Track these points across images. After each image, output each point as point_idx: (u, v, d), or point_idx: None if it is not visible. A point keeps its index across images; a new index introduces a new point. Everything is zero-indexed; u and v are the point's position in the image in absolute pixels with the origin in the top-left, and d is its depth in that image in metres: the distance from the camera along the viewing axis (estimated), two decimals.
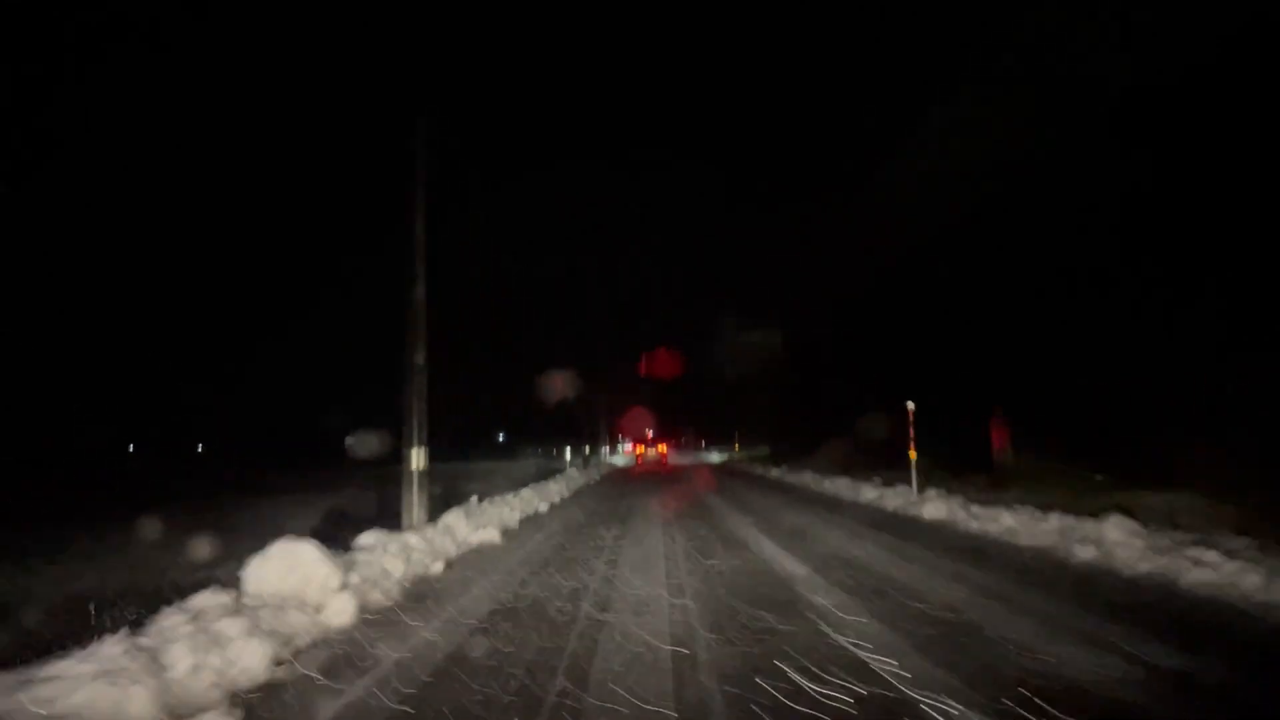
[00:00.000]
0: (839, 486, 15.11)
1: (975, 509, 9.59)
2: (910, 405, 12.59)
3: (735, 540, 8.20)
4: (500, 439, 66.77)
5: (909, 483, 12.90)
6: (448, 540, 8.03)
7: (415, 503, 8.89)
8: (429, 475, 9.07)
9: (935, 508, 10.29)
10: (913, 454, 12.59)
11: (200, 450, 72.36)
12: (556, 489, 15.75)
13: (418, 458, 8.96)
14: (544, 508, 12.71)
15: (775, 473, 22.21)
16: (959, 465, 17.35)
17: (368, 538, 7.15)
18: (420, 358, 9.05)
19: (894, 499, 12.04)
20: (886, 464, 21.16)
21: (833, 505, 12.47)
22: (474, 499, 11.12)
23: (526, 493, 13.27)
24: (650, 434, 59.48)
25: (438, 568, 6.85)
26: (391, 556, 6.51)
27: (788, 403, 40.77)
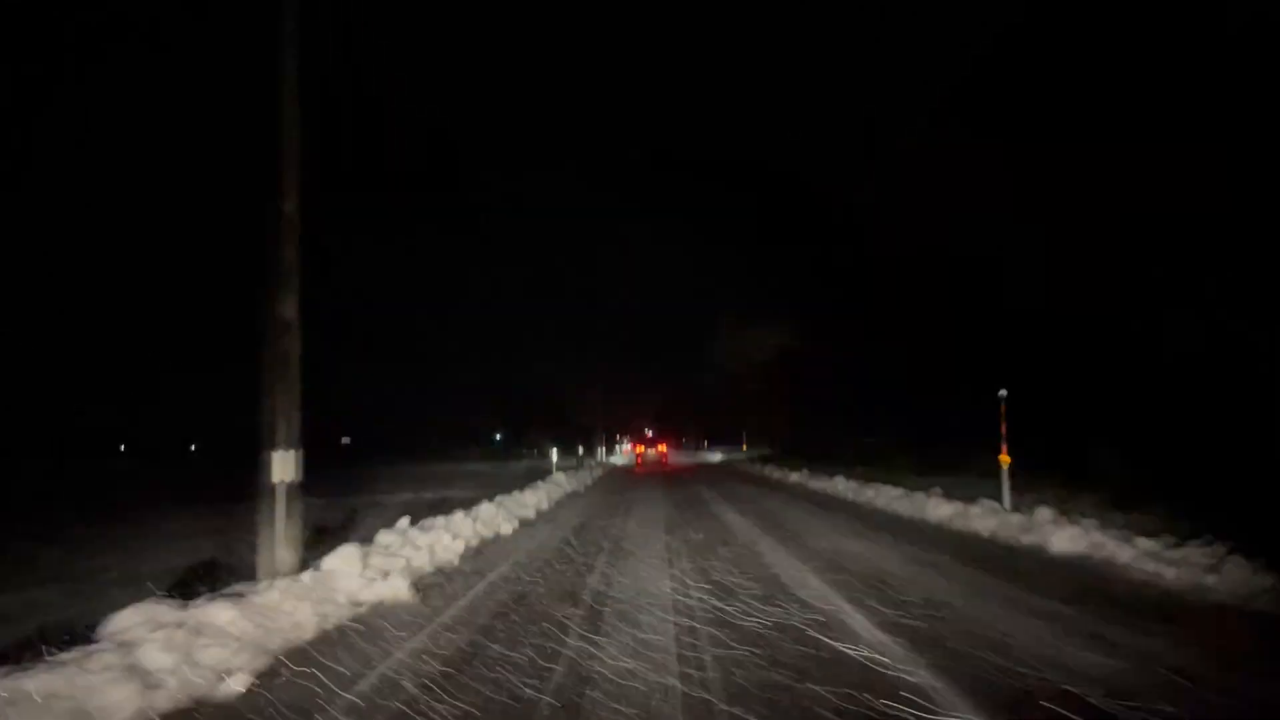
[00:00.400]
0: (890, 498, 11.69)
1: (1143, 543, 6.18)
2: (1003, 393, 9.18)
3: (798, 605, 4.78)
4: (497, 439, 63.57)
5: (990, 495, 9.55)
6: (303, 608, 4.63)
7: (278, 537, 5.48)
8: (299, 491, 5.66)
9: (1067, 538, 6.88)
10: (1005, 458, 9.19)
11: (193, 449, 69.27)
12: (534, 500, 12.34)
13: (282, 466, 5.55)
14: (508, 529, 9.31)
15: (795, 477, 18.79)
16: (1037, 471, 14.01)
17: (128, 617, 3.78)
18: (288, 310, 5.64)
19: (982, 519, 8.63)
20: (922, 468, 17.76)
21: (904, 530, 9.04)
22: (403, 522, 7.74)
23: (487, 509, 9.86)
24: (650, 434, 56.27)
25: (234, 685, 3.44)
26: (113, 678, 3.11)
27: (798, 401, 37.42)
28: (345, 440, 78.44)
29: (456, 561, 7.05)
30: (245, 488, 6.02)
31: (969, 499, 9.86)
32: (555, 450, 19.29)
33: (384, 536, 6.96)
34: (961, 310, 21.78)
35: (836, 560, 6.55)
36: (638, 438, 55.46)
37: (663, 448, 49.40)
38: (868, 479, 14.76)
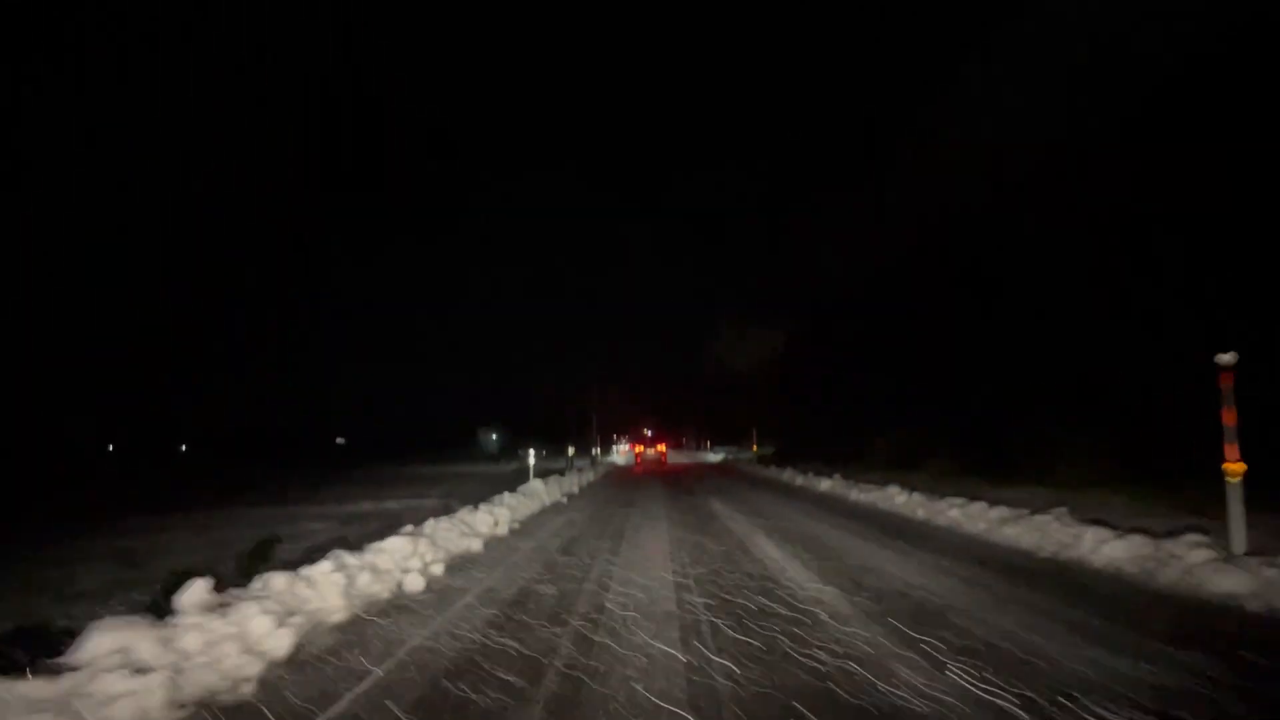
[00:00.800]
0: (992, 522, 8.00)
1: None
2: (1226, 359, 5.50)
3: None
4: (493, 439, 60.04)
5: (1138, 517, 5.93)
6: None
7: None
8: None
9: None
10: (1237, 466, 5.49)
11: (184, 451, 65.39)
12: (489, 522, 8.66)
13: None
14: (417, 584, 5.61)
15: (825, 485, 15.08)
16: (1140, 470, 10.56)
17: None
18: None
19: (1216, 573, 4.94)
20: (992, 471, 14.10)
21: (1093, 594, 5.32)
22: (195, 590, 4.06)
23: (394, 548, 6.15)
24: (649, 433, 52.75)
25: None
26: None
27: (801, 399, 33.79)
28: (340, 440, 74.85)
29: (254, 678, 3.36)
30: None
31: (1149, 531, 6.21)
32: (533, 453, 15.57)
33: (100, 637, 3.27)
34: (973, 305, 19.08)
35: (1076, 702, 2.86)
36: (637, 437, 52.02)
37: (661, 447, 46.16)
38: (931, 489, 11.10)
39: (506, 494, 11.35)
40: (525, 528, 9.43)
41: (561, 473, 18.27)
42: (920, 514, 9.54)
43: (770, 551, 6.95)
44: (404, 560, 6.07)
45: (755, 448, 29.47)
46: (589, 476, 20.08)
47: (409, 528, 7.44)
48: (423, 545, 6.56)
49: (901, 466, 17.70)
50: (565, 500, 13.54)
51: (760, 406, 35.12)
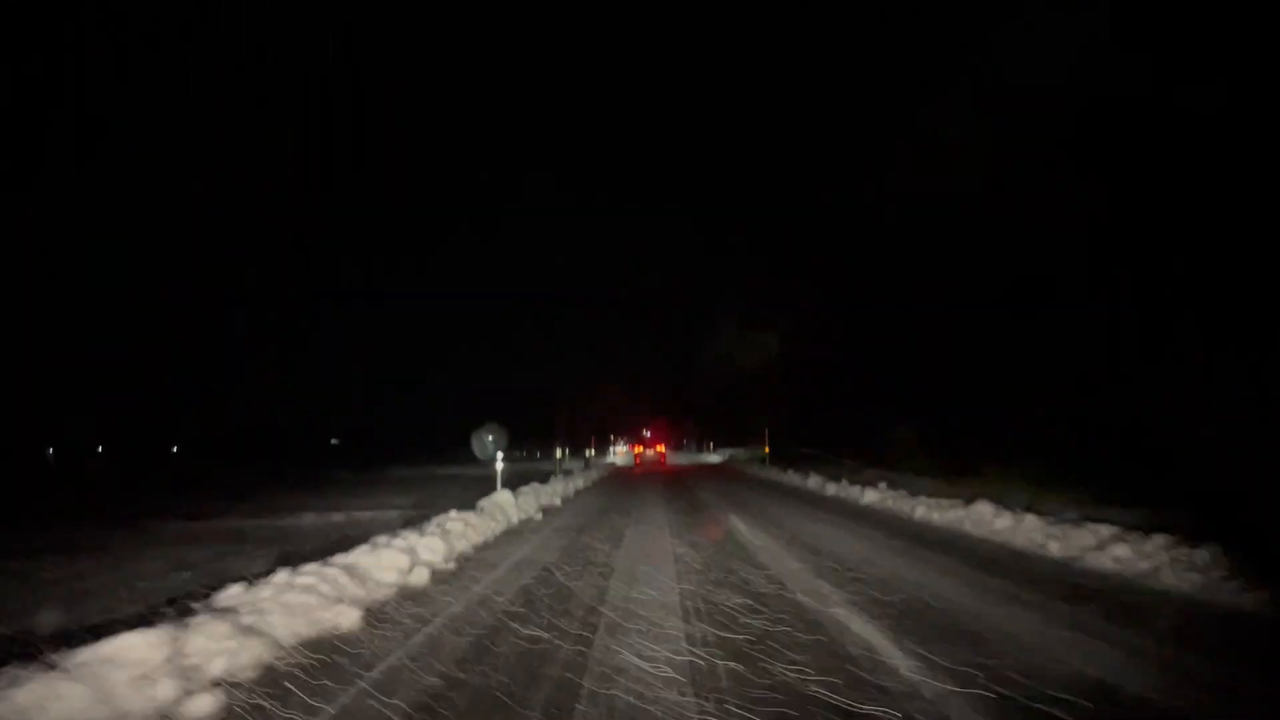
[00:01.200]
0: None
1: None
2: None
3: None
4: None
5: None
6: None
7: None
8: None
9: None
10: None
11: (175, 452, 62.23)
12: (398, 566, 5.40)
13: None
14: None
15: (871, 497, 11.75)
16: None
17: None
18: None
19: None
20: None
21: None
22: None
23: (132, 656, 2.85)
24: (649, 434, 49.62)
25: None
26: None
27: (803, 397, 30.59)
28: (334, 441, 71.61)
29: None
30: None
31: None
32: (500, 456, 12.32)
33: None
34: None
35: None
36: (636, 438, 48.95)
37: (660, 448, 43.08)
38: (1043, 509, 7.81)
39: (454, 512, 8.06)
40: (465, 566, 6.14)
41: (545, 478, 14.99)
42: (1055, 550, 6.25)
43: (871, 638, 3.69)
44: (134, 687, 2.81)
45: (767, 449, 26.29)
46: (578, 483, 16.79)
47: (233, 589, 4.18)
48: (206, 640, 3.29)
49: (951, 473, 14.40)
50: (540, 516, 10.26)
51: (761, 405, 32.03)
